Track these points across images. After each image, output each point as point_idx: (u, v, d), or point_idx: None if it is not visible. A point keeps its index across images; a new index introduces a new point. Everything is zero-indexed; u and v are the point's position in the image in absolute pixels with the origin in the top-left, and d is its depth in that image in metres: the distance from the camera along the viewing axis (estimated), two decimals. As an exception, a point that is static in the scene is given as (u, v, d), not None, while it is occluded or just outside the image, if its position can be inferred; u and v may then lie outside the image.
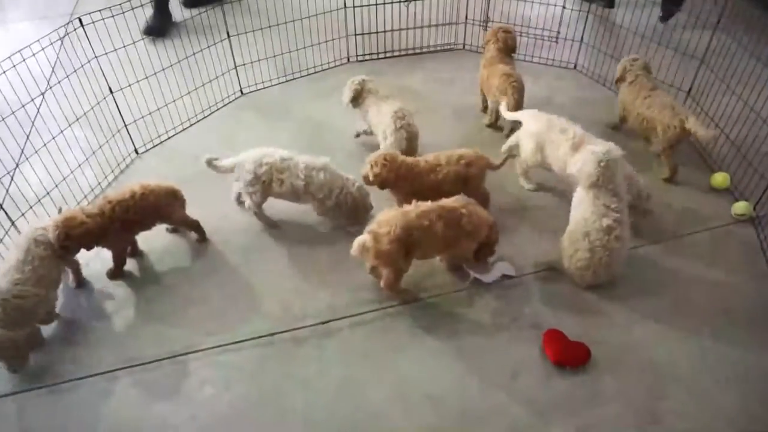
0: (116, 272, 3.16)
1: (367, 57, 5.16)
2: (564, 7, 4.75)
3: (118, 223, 3.00)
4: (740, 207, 3.41)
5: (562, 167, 3.25)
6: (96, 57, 3.64)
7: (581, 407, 2.54)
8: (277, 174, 3.20)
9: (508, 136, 3.93)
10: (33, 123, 3.91)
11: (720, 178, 3.61)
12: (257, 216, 3.40)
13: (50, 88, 3.43)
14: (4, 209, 3.20)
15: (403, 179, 3.16)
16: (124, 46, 3.80)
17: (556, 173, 3.40)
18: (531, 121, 3.49)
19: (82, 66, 3.59)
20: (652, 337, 2.82)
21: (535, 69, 4.86)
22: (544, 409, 2.53)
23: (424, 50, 5.22)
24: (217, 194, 3.64)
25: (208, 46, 4.35)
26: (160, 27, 5.15)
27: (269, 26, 4.66)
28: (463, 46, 5.22)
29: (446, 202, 2.88)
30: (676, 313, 2.92)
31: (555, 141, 3.28)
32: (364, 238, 2.78)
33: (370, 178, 3.17)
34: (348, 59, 5.14)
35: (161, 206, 3.14)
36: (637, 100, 3.77)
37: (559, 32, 4.90)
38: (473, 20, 5.14)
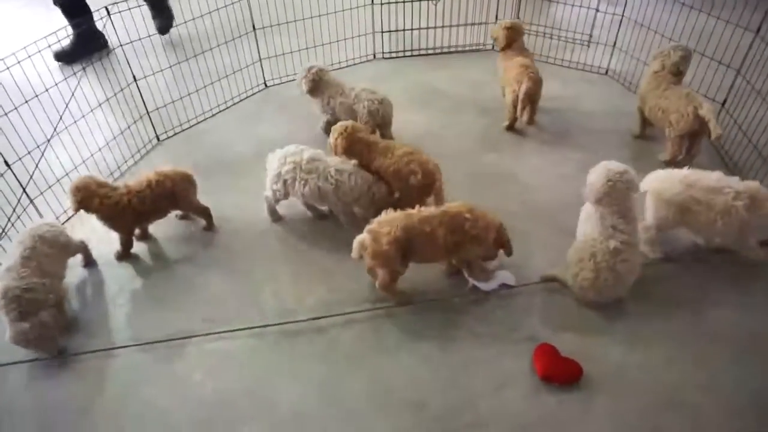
0: (123, 255, 3.26)
1: (393, 54, 5.14)
2: (597, 10, 4.58)
3: (131, 214, 3.11)
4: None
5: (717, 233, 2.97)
6: (121, 45, 3.76)
7: (567, 426, 2.44)
8: (302, 174, 3.18)
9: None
10: (66, 105, 4.08)
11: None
12: (267, 207, 3.44)
13: (74, 74, 3.57)
14: (26, 191, 3.35)
15: (359, 154, 3.26)
16: (149, 36, 3.92)
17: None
18: (660, 184, 3.04)
19: (108, 54, 3.72)
20: (657, 359, 2.67)
21: (565, 73, 4.72)
22: (527, 424, 2.45)
23: (452, 50, 5.16)
24: (232, 184, 3.71)
25: (233, 38, 4.43)
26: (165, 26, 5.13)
27: (295, 20, 4.70)
28: (492, 47, 5.12)
29: (450, 206, 2.82)
30: (689, 335, 2.75)
31: (703, 201, 2.91)
32: (363, 236, 2.76)
33: (333, 147, 3.29)
34: (374, 56, 5.13)
35: (177, 191, 3.22)
36: (656, 91, 3.64)
37: (591, 35, 4.74)
38: (502, 18, 5.03)
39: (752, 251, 3.04)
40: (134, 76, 3.92)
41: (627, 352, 2.72)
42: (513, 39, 4.15)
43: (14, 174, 3.22)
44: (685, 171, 3.01)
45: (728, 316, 2.84)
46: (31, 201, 3.36)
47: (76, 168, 3.65)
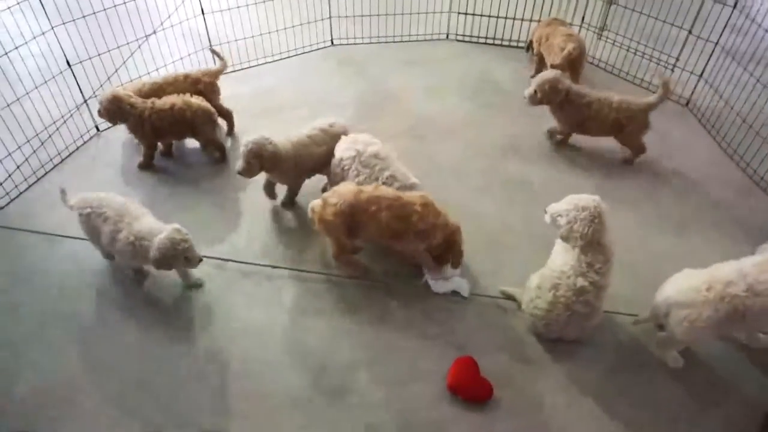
0: (143, 164, 3.63)
1: (466, 38, 5.00)
2: (690, 32, 4.08)
3: (150, 126, 3.44)
4: None
5: None
6: (196, -22, 4.08)
7: (453, 440, 2.39)
8: (358, 166, 2.99)
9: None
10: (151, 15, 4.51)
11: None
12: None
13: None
14: (84, 98, 3.82)
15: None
16: (223, -25, 4.19)
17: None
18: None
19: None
20: (580, 411, 2.48)
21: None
22: (414, 423, 2.42)
23: (523, 45, 4.88)
24: (264, 128, 3.90)
25: (307, -8, 4.58)
26: None
27: (371, -16, 4.74)
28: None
29: (408, 195, 2.77)
30: (624, 401, 2.53)
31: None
32: (315, 202, 2.84)
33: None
34: (447, 36, 5.03)
35: (195, 124, 3.51)
36: None
37: (678, 59, 4.24)
38: (588, 24, 4.66)
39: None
40: (202, 10, 4.23)
41: (552, 392, 2.54)
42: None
43: (74, 75, 3.68)
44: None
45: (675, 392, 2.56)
46: (85, 101, 3.84)
47: (149, 73, 4.09)
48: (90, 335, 2.71)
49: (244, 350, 2.67)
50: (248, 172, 3.04)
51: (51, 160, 3.65)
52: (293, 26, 4.69)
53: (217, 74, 3.81)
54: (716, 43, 3.93)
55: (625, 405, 2.50)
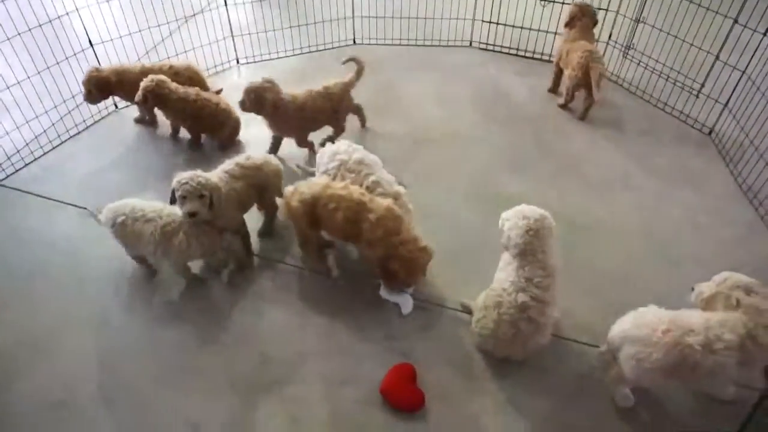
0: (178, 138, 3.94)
1: (489, 47, 4.92)
2: (717, 57, 3.83)
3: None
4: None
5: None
6: (220, -30, 4.24)
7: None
8: (344, 172, 3.01)
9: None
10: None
11: None
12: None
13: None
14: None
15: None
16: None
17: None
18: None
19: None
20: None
21: (664, 121, 4.09)
22: (339, 423, 2.42)
23: (546, 57, 4.74)
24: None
25: (332, -9, 4.66)
26: None
27: (397, -14, 4.75)
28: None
29: (377, 201, 2.73)
30: (561, 430, 2.42)
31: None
32: (289, 187, 2.90)
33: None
34: (470, 43, 4.97)
35: (215, 126, 3.76)
36: None
37: (703, 85, 3.99)
38: (615, 42, 4.47)
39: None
40: (225, 1, 4.39)
41: (488, 413, 2.45)
42: (578, 18, 4.08)
43: (95, 54, 3.93)
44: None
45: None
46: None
47: (168, 57, 4.33)
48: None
49: (201, 328, 2.77)
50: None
51: (68, 131, 3.91)
52: (315, 23, 4.79)
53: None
54: (743, 72, 3.68)
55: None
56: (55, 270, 3.00)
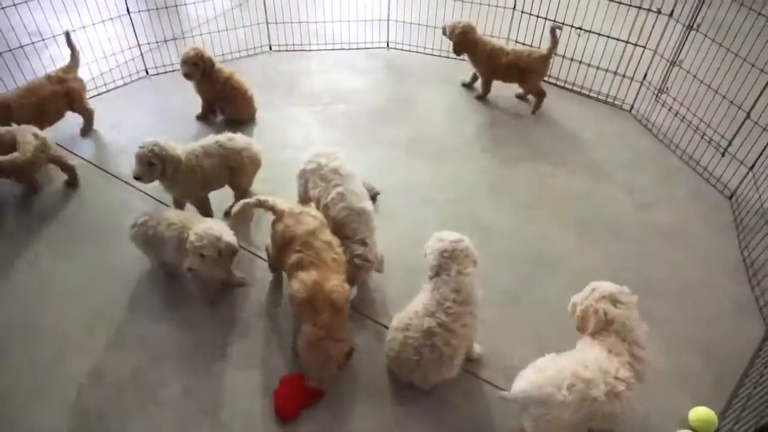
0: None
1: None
2: (748, 116, 3.45)
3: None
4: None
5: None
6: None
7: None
8: (316, 179, 2.93)
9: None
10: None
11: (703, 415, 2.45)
12: None
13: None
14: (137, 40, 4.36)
15: None
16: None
17: None
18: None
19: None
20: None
21: (685, 178, 3.73)
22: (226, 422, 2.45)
23: (591, 93, 4.45)
24: (283, 104, 4.20)
25: (367, -8, 4.72)
26: None
27: (433, -7, 4.73)
28: (630, 109, 4.29)
29: (306, 210, 2.69)
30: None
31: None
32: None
33: None
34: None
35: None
36: None
37: (730, 143, 3.61)
38: (649, 83, 4.16)
39: None
40: (261, -12, 4.58)
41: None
42: (465, 42, 4.20)
43: (132, 21, 4.23)
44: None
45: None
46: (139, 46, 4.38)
47: (201, 35, 4.55)
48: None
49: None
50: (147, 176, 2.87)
51: (96, 87, 4.24)
52: (348, 21, 4.86)
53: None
54: (776, 136, 3.30)
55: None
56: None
